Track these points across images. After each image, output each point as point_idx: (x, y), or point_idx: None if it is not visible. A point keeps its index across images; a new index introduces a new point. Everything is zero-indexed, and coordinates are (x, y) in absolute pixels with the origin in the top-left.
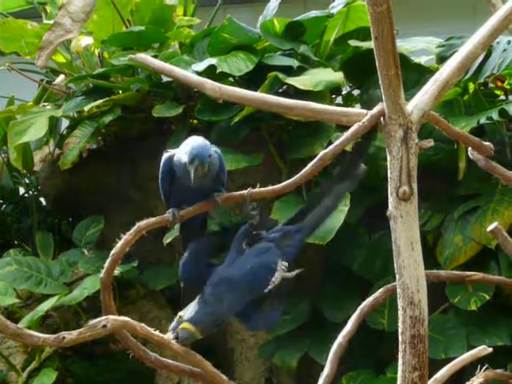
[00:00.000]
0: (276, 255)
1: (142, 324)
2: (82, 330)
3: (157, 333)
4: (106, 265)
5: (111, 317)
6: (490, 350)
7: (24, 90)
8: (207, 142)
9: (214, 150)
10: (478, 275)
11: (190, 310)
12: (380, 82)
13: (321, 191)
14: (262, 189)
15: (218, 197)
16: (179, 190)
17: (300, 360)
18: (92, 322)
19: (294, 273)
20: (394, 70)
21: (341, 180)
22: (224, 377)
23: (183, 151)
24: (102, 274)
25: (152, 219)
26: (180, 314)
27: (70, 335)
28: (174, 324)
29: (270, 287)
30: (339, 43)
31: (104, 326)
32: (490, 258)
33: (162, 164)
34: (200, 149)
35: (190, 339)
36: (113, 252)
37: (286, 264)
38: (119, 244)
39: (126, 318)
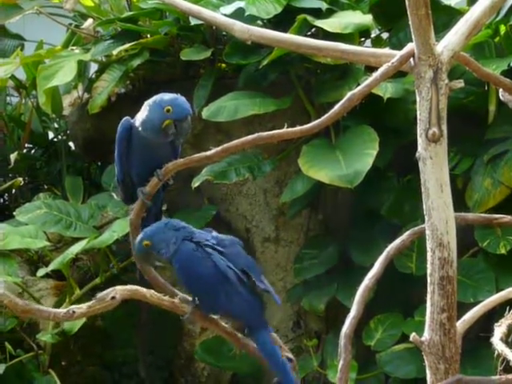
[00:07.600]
0: None
1: (152, 291)
2: (91, 303)
3: (167, 298)
4: (135, 206)
5: (119, 287)
6: None
7: (52, 34)
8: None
9: None
10: (506, 218)
11: None
12: (410, 22)
13: None
14: (289, 129)
15: (160, 172)
16: (136, 163)
17: (328, 304)
18: (100, 294)
19: None
20: (424, 10)
21: None
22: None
23: (151, 110)
24: (131, 216)
25: (180, 160)
26: None
27: (80, 309)
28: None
29: None
30: None
31: (113, 298)
32: None
33: (118, 129)
34: (182, 100)
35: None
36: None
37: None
38: (148, 185)
39: (135, 287)
